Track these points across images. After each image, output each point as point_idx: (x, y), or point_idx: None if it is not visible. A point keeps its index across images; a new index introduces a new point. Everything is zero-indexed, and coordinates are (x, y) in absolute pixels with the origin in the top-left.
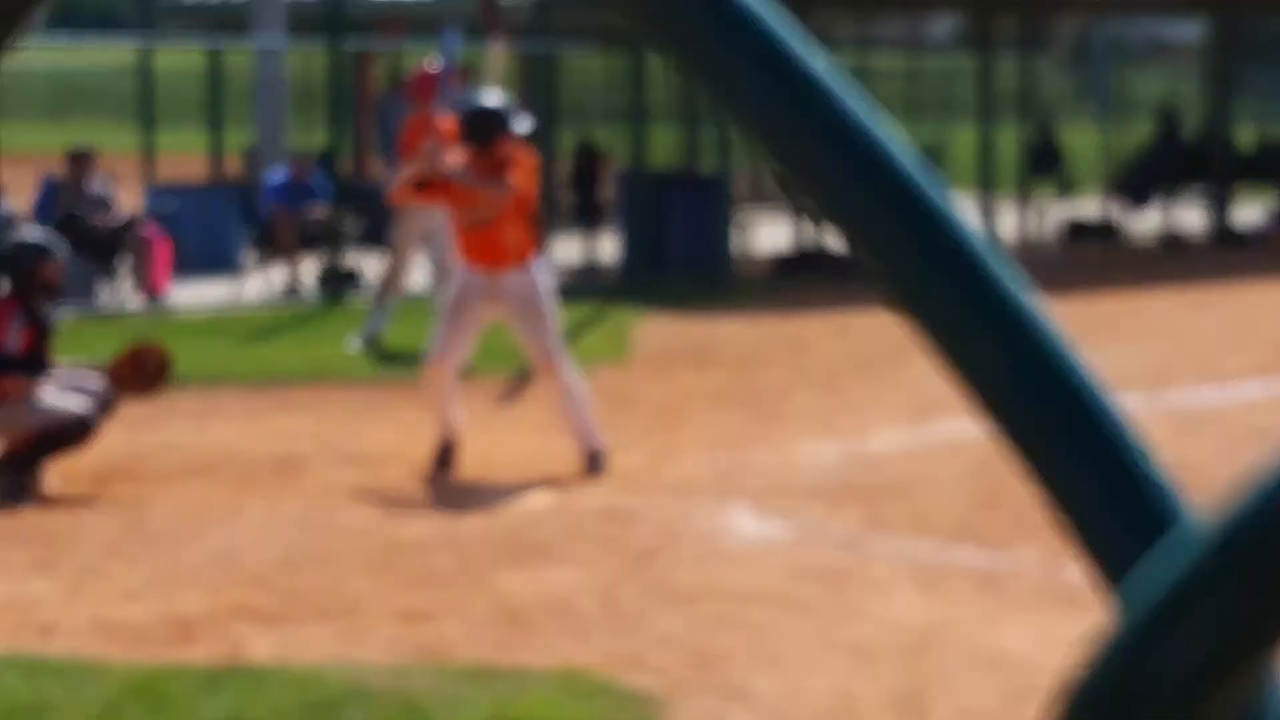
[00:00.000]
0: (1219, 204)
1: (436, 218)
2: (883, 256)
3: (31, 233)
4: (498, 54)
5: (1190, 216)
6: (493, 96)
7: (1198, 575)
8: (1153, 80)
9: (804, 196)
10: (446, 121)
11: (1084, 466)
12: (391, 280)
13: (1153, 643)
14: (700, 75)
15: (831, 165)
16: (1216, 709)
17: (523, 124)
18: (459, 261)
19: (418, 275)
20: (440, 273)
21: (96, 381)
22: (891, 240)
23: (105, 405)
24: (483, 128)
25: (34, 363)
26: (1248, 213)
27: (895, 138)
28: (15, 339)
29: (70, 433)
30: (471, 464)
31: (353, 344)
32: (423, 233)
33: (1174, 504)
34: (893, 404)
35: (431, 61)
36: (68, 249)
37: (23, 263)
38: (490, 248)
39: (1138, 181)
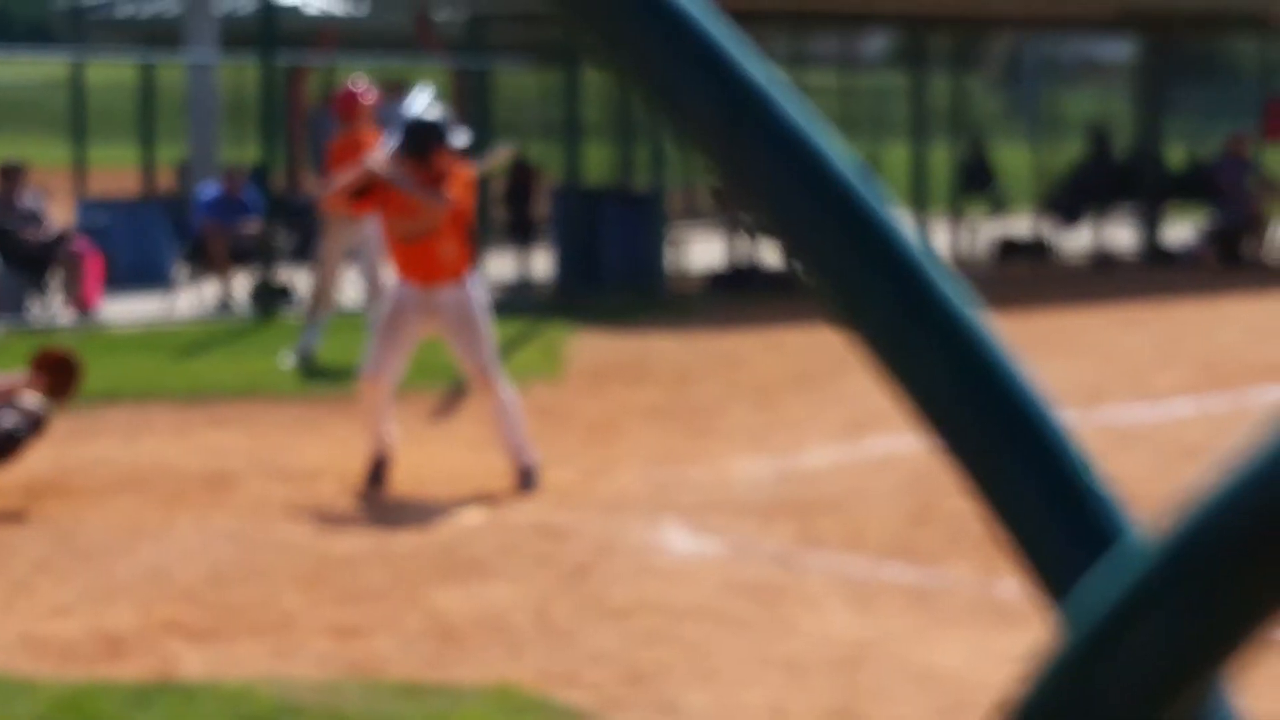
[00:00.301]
0: (1150, 222)
1: (363, 231)
2: (824, 268)
3: None
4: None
5: (1121, 235)
6: (431, 109)
7: (1143, 591)
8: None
9: (742, 210)
10: (372, 140)
11: (1027, 480)
12: (320, 295)
13: (1097, 660)
14: (639, 82)
15: (772, 174)
16: None
17: (460, 138)
18: (393, 276)
19: (349, 290)
20: (370, 287)
21: (31, 400)
22: (833, 251)
23: (36, 423)
24: (420, 140)
25: None
26: (1178, 231)
27: (836, 147)
28: None
29: (37, 432)
30: (405, 479)
31: (286, 360)
32: (349, 246)
33: (1117, 518)
34: (826, 420)
35: (356, 80)
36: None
37: None
38: (425, 262)
39: (1069, 200)
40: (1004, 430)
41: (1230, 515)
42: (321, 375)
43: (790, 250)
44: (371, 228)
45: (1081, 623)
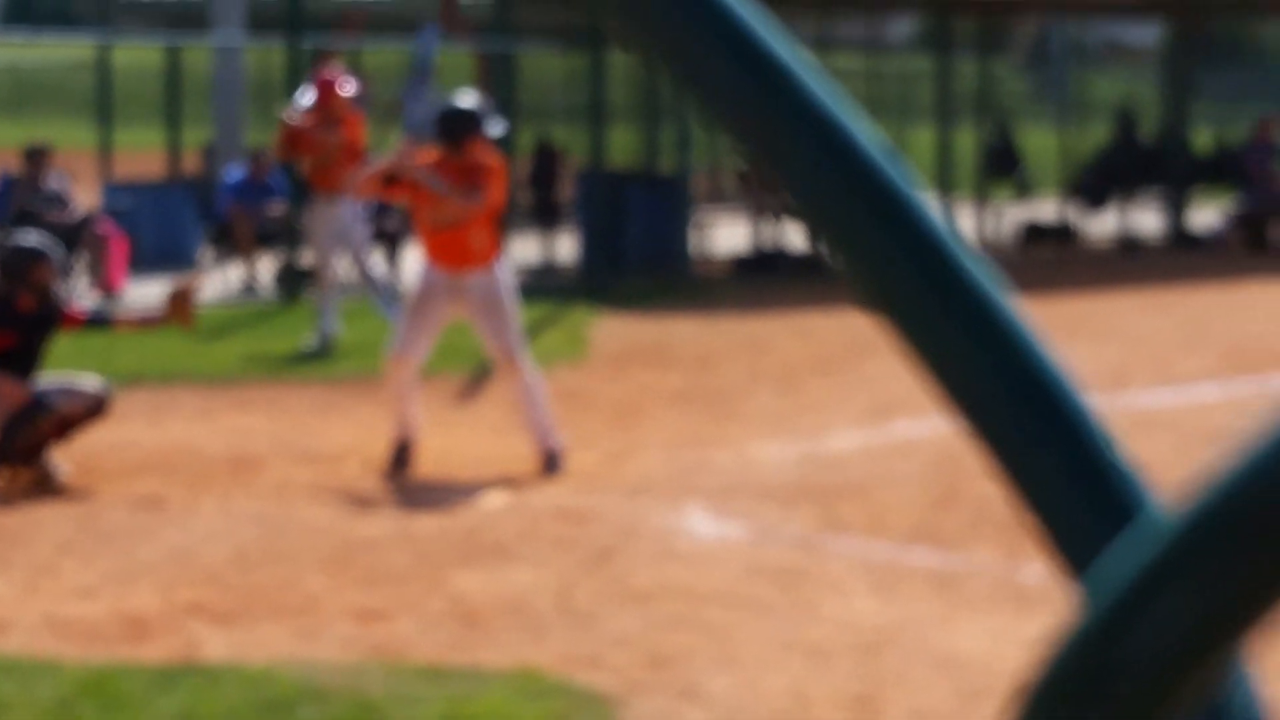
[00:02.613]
0: (1175, 206)
1: (346, 216)
2: (851, 250)
3: (25, 236)
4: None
5: (1147, 219)
6: (467, 97)
7: (1163, 565)
8: (1110, 82)
9: (770, 192)
10: (355, 122)
11: (1049, 455)
12: (322, 279)
13: (1117, 633)
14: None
15: (801, 155)
16: (1183, 700)
17: (495, 127)
18: (421, 260)
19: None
20: (359, 271)
21: (92, 383)
22: (860, 233)
23: (96, 405)
24: (456, 128)
25: (14, 363)
26: (1204, 215)
27: (864, 129)
28: None
29: (88, 410)
30: (428, 463)
31: (309, 343)
32: (334, 232)
33: (1138, 493)
34: (850, 404)
35: (332, 69)
36: (60, 250)
37: (17, 265)
38: (455, 249)
39: (1095, 183)
40: (1027, 406)
41: (1250, 490)
42: (343, 358)
43: (818, 232)
44: (351, 212)
45: (1102, 597)
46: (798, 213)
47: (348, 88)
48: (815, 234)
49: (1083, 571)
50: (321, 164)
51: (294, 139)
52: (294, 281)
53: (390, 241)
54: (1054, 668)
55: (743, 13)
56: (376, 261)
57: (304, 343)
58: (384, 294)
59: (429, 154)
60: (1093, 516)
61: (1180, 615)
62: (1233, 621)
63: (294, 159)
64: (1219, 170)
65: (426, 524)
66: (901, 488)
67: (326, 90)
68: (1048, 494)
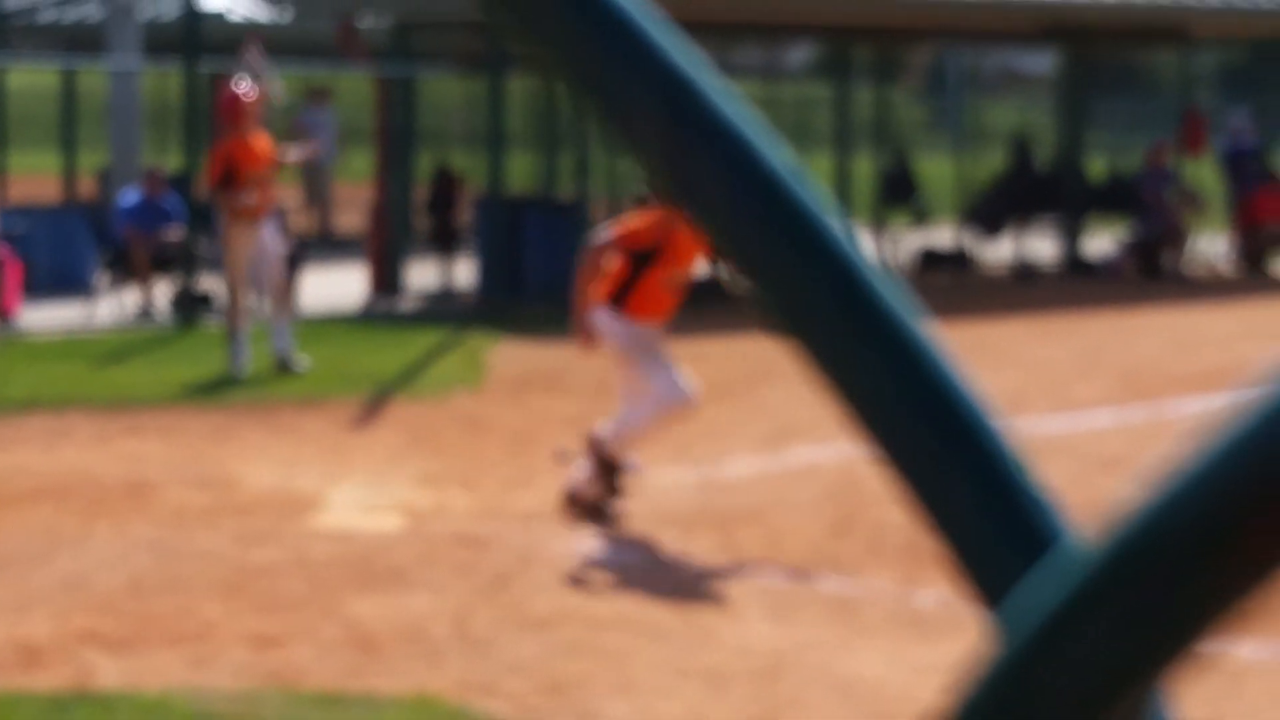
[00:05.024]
0: (1070, 234)
1: (262, 239)
2: (763, 273)
3: None
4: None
5: (1042, 246)
6: None
7: (1081, 598)
8: (1006, 110)
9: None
10: (260, 142)
11: (962, 482)
12: (233, 306)
13: (1034, 667)
14: (582, 88)
15: (713, 179)
16: None
17: None
18: (639, 316)
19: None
20: (273, 297)
21: None
22: (773, 257)
23: None
24: None
25: None
26: (1099, 243)
27: (777, 152)
28: None
29: None
30: (324, 489)
31: (237, 370)
32: (251, 254)
33: (1054, 522)
34: (748, 430)
35: (238, 81)
36: None
37: None
38: (673, 305)
39: (991, 211)
40: (940, 432)
41: (1169, 523)
42: (239, 384)
43: (728, 255)
44: (269, 234)
45: (1018, 629)
46: (708, 236)
47: (252, 97)
48: (726, 257)
49: (997, 602)
50: (259, 185)
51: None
52: (190, 306)
53: (292, 264)
54: (970, 701)
55: (655, 35)
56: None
57: (236, 369)
58: (284, 324)
59: (652, 219)
60: (1007, 546)
61: (1099, 649)
62: (1152, 656)
63: (225, 185)
64: (1113, 198)
65: (322, 550)
66: (799, 514)
67: (234, 105)
68: (961, 522)
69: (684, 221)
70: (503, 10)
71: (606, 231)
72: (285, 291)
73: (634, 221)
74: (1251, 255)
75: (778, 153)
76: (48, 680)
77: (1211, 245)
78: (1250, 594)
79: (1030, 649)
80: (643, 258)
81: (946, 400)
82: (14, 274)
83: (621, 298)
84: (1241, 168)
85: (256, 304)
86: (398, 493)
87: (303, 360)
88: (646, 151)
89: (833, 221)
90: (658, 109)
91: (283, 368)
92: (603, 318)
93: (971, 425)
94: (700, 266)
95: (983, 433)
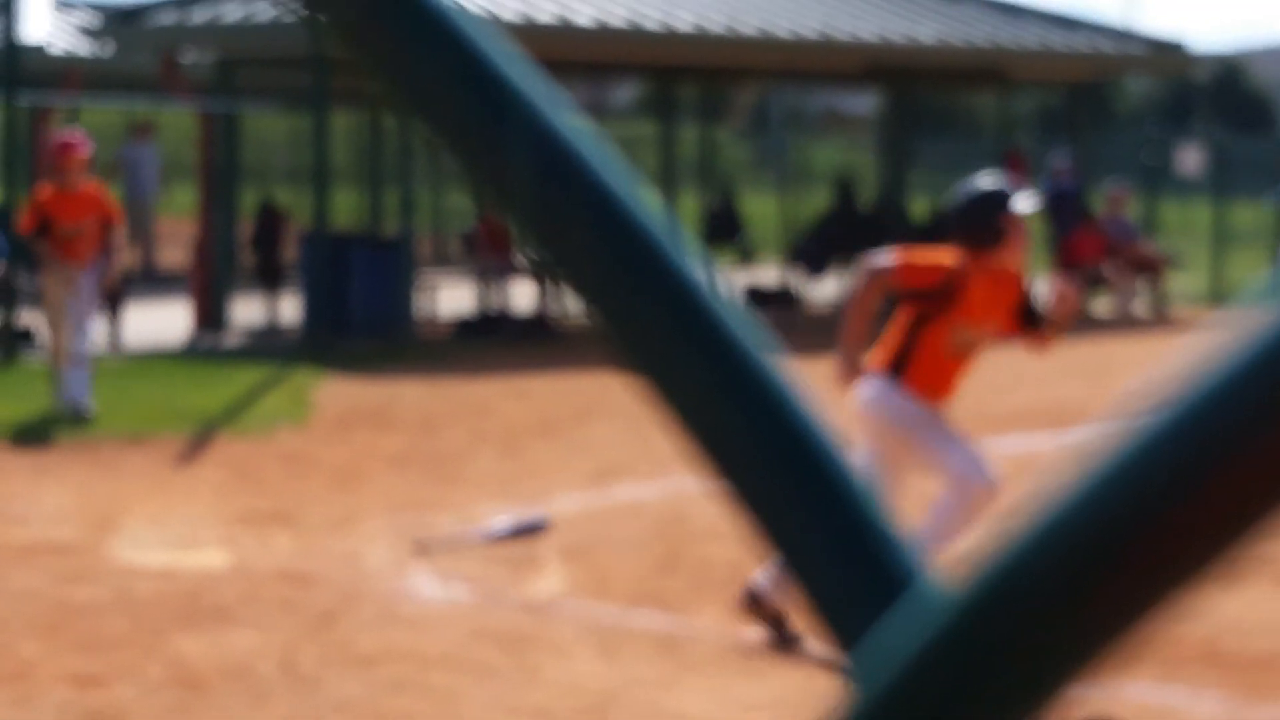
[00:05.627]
0: None
1: (86, 288)
2: (612, 307)
3: None
4: None
5: None
6: (985, 179)
7: (939, 644)
8: (829, 150)
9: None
10: (86, 194)
11: (814, 520)
12: (59, 347)
13: (890, 712)
14: (427, 121)
15: (565, 216)
16: None
17: (1024, 202)
18: (920, 391)
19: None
20: (78, 333)
21: None
22: (621, 290)
23: None
24: (984, 222)
25: None
26: None
27: (631, 190)
28: None
29: None
30: (146, 525)
31: (78, 410)
32: (69, 292)
33: (910, 564)
34: (573, 468)
35: (72, 131)
36: None
37: None
38: (955, 381)
39: (815, 250)
40: (792, 471)
41: (1028, 570)
42: (57, 422)
43: (577, 288)
44: (85, 275)
45: (873, 674)
46: (559, 272)
47: (84, 150)
48: (577, 291)
49: (851, 645)
50: (76, 236)
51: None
52: (11, 342)
53: (113, 301)
54: None
55: (518, 79)
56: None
57: (68, 405)
58: (80, 371)
59: (944, 256)
60: (861, 587)
61: (957, 695)
62: (1011, 704)
63: (40, 235)
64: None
65: (145, 587)
66: (625, 551)
67: (64, 154)
68: (813, 563)
69: (982, 264)
70: (341, 33)
71: (886, 257)
72: (78, 341)
73: (919, 254)
74: None
75: (631, 188)
76: None
77: (1033, 285)
78: (1114, 637)
79: (886, 695)
80: (924, 306)
81: (797, 438)
82: None
83: (901, 364)
84: (1062, 209)
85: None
86: (222, 530)
87: (90, 406)
88: (492, 185)
89: (684, 254)
90: (519, 152)
91: (74, 415)
92: (874, 388)
93: (823, 463)
94: (981, 330)
95: (836, 471)
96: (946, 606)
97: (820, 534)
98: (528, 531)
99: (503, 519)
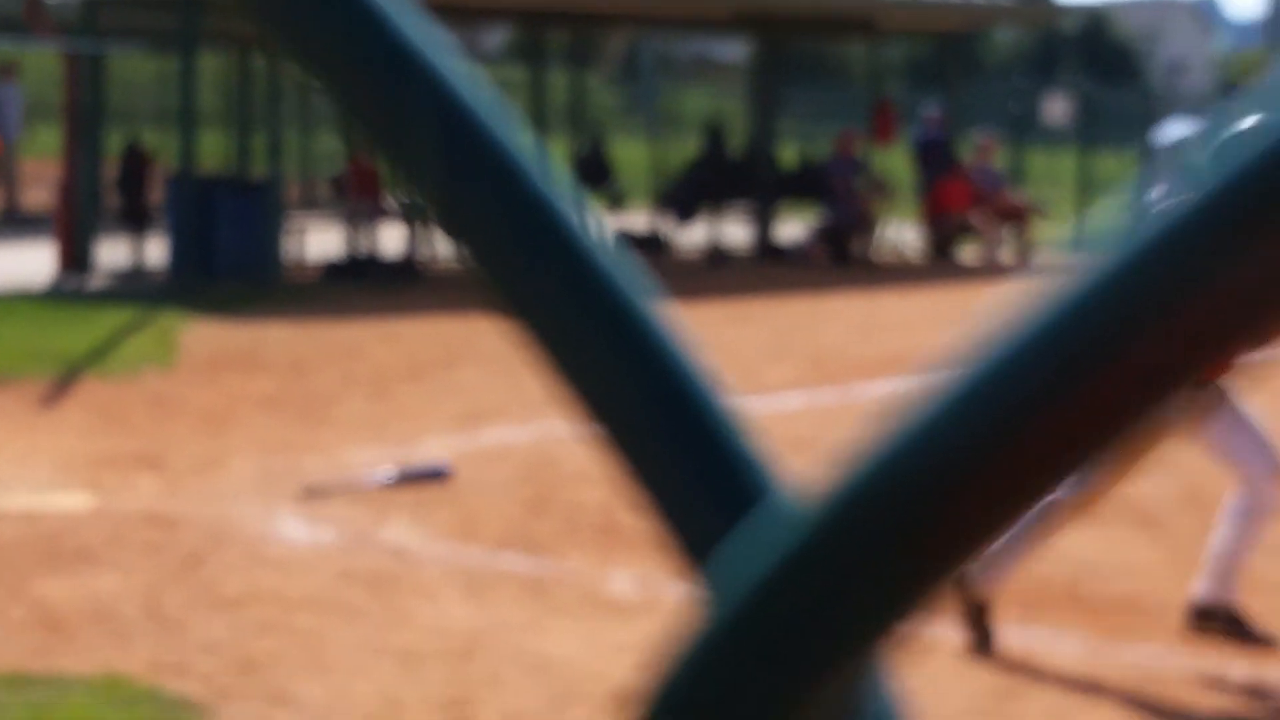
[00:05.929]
0: (762, 220)
1: None
2: (486, 252)
3: None
4: None
5: (735, 231)
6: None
7: (793, 560)
8: (699, 97)
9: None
10: None
11: (666, 432)
12: None
13: (744, 632)
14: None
15: (440, 156)
16: (817, 704)
17: None
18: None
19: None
20: None
21: None
22: (495, 231)
23: None
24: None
25: None
26: (789, 229)
27: (509, 131)
28: None
29: None
30: (8, 467)
31: None
32: None
33: (762, 478)
34: (442, 411)
35: None
36: None
37: None
38: None
39: (684, 196)
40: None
41: (884, 483)
42: None
43: (450, 231)
44: None
45: (723, 592)
46: (432, 213)
47: None
48: (448, 233)
49: (701, 560)
50: None
51: None
52: None
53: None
54: (674, 672)
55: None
56: None
57: None
58: None
59: None
60: (711, 498)
61: (812, 613)
62: (869, 622)
63: None
64: (804, 185)
65: (7, 530)
66: (494, 494)
67: None
68: (663, 474)
69: None
70: None
71: None
72: None
73: None
74: (939, 242)
75: (510, 130)
76: None
77: (900, 232)
78: (948, 567)
79: (738, 616)
80: None
81: (673, 380)
82: None
83: None
84: (931, 157)
85: None
86: (87, 473)
87: None
88: (367, 122)
89: (557, 194)
90: (385, 86)
91: None
92: None
93: (701, 409)
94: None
95: (690, 389)
96: (802, 520)
97: (670, 442)
98: (427, 478)
99: (401, 465)
